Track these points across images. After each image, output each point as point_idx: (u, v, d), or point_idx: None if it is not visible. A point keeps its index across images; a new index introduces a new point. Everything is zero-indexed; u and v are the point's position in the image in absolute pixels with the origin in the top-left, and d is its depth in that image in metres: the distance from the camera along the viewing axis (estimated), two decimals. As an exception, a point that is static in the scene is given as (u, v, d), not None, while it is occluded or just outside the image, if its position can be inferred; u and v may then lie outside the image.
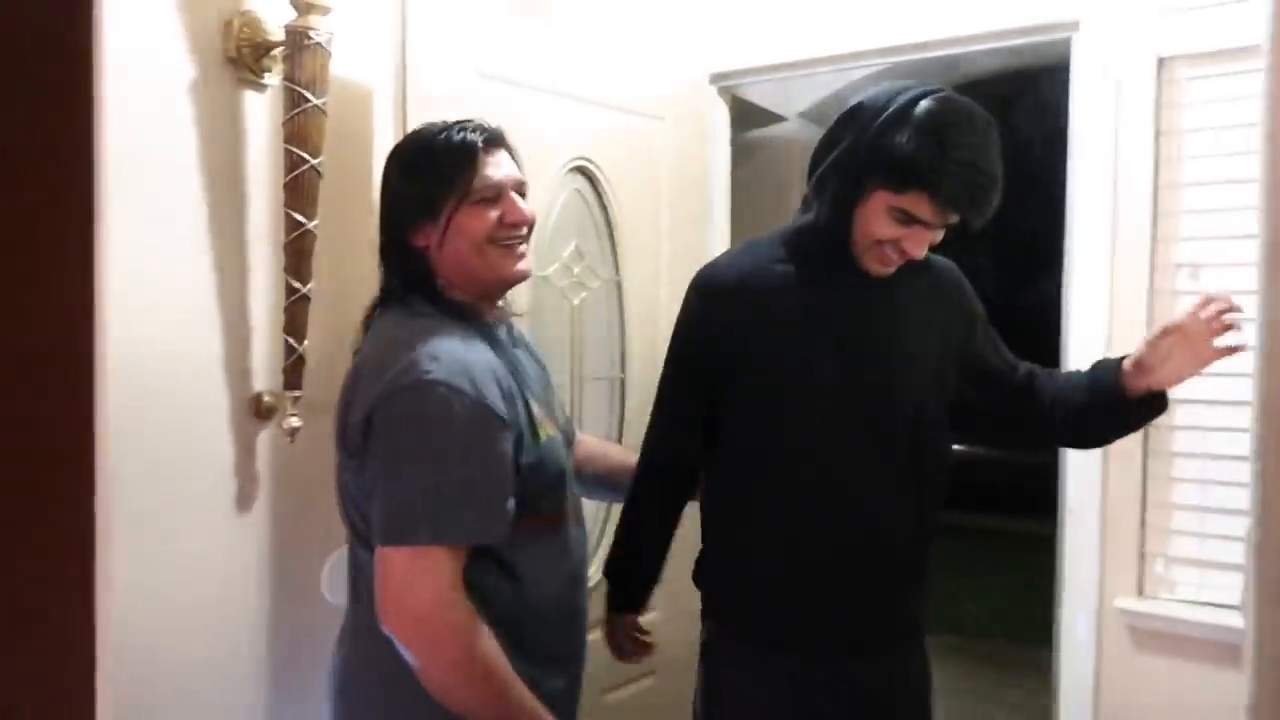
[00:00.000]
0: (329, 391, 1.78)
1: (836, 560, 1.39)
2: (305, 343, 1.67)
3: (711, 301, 1.41)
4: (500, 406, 1.15)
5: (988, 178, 1.26)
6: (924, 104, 1.27)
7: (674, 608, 2.14)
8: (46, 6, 1.35)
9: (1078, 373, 1.49)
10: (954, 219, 1.31)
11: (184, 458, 1.61)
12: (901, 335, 1.42)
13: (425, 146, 1.21)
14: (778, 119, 3.49)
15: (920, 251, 1.34)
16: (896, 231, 1.32)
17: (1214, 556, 1.79)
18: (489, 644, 1.13)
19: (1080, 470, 1.83)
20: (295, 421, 1.68)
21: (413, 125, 1.64)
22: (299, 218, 1.64)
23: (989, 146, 1.28)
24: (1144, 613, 1.82)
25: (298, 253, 1.65)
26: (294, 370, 1.67)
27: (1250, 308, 1.66)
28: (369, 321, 1.32)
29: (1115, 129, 1.82)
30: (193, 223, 1.62)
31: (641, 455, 1.54)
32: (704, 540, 1.53)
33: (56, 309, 1.47)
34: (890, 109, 1.29)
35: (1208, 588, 1.80)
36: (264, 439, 1.71)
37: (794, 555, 1.40)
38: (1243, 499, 1.68)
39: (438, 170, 1.18)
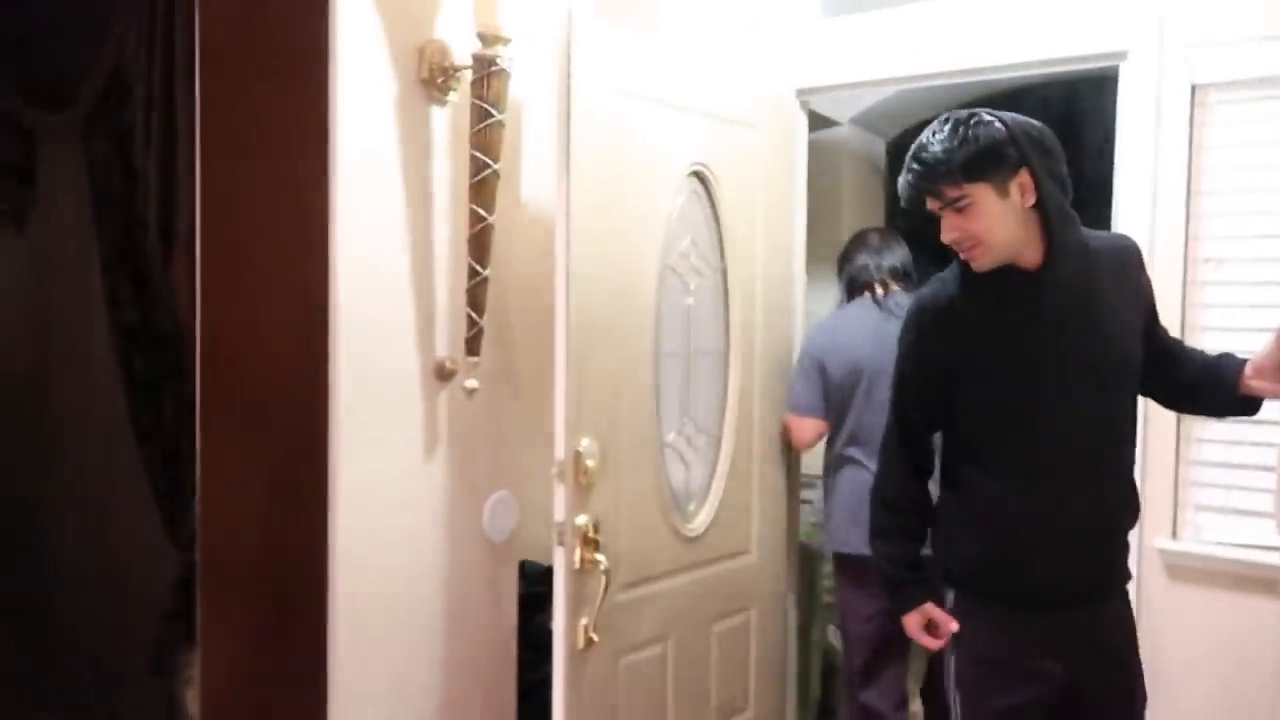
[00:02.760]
0: (500, 359, 2.11)
1: (1070, 519, 1.62)
2: (484, 317, 2.00)
3: (922, 329, 1.73)
4: None
5: (919, 161, 1.56)
6: None
7: (765, 550, 2.49)
8: (298, 41, 1.73)
9: (1206, 355, 1.77)
10: (935, 199, 1.58)
11: (387, 412, 1.94)
12: (1084, 315, 1.64)
13: None
14: (832, 124, 3.83)
15: (946, 235, 1.61)
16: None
17: (1234, 505, 2.14)
18: None
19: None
20: (473, 383, 2.01)
21: (576, 136, 1.97)
22: (481, 213, 1.97)
23: (936, 133, 1.56)
24: (1176, 550, 2.16)
25: (480, 242, 1.98)
26: (474, 340, 2.00)
27: (1266, 297, 2.02)
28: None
29: (1155, 144, 2.15)
30: (395, 217, 1.94)
31: (887, 455, 1.83)
32: (941, 516, 1.78)
33: (302, 280, 1.85)
34: None
35: (1229, 530, 2.14)
36: (443, 397, 2.04)
37: (1033, 520, 1.63)
38: (1257, 456, 2.04)
39: None
